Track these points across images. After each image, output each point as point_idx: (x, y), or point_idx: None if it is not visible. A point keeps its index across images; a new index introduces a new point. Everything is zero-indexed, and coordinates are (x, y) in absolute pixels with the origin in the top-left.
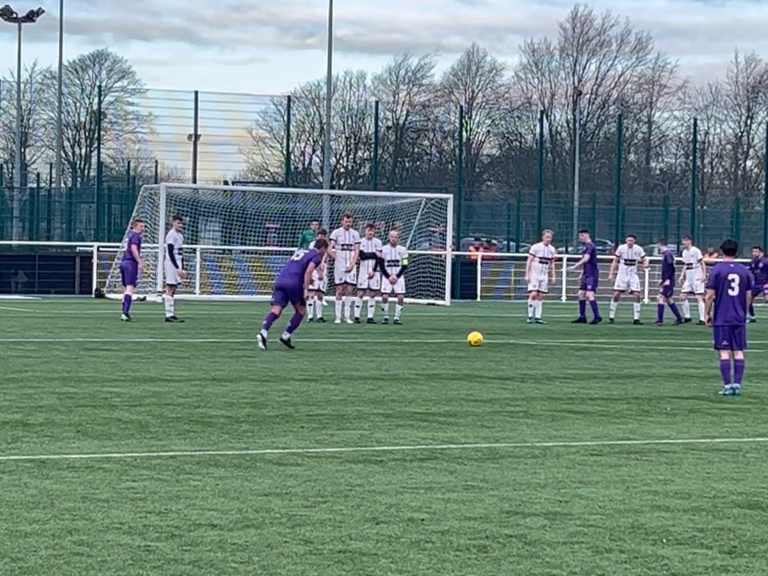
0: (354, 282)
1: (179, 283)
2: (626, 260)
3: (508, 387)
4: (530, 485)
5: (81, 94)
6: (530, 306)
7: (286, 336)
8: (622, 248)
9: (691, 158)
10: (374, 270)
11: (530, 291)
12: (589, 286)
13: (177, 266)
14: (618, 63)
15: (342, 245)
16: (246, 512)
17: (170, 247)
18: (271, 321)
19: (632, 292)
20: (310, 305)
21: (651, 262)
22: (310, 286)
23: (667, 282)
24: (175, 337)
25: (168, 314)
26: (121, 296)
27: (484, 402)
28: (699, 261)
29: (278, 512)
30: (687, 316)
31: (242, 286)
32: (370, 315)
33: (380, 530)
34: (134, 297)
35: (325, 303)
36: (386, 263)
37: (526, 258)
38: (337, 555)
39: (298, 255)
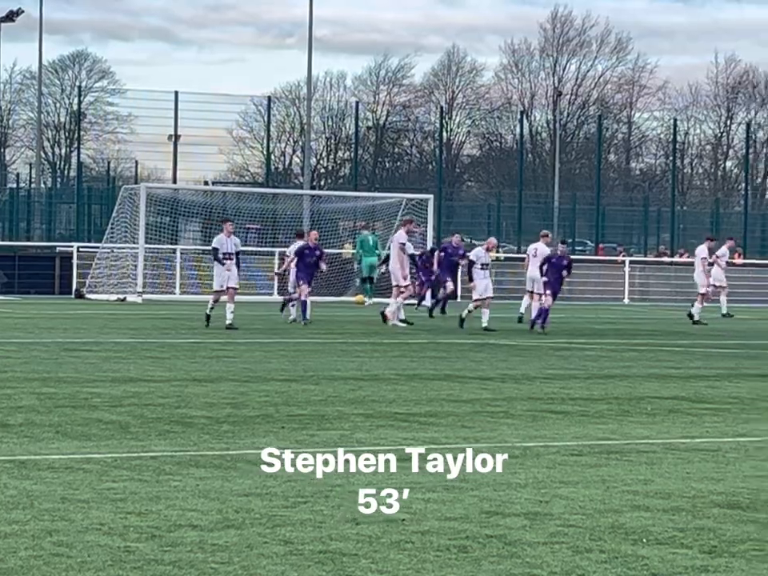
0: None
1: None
2: None
3: (488, 387)
4: (510, 485)
5: (60, 94)
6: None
7: None
8: None
9: (671, 158)
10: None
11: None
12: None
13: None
14: (597, 64)
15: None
16: (226, 512)
17: (215, 251)
18: None
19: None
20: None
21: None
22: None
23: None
24: (155, 337)
25: (228, 321)
26: (102, 297)
27: (464, 403)
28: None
29: (259, 512)
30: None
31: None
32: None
33: (360, 530)
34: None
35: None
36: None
37: (522, 259)
38: (317, 555)
39: None
